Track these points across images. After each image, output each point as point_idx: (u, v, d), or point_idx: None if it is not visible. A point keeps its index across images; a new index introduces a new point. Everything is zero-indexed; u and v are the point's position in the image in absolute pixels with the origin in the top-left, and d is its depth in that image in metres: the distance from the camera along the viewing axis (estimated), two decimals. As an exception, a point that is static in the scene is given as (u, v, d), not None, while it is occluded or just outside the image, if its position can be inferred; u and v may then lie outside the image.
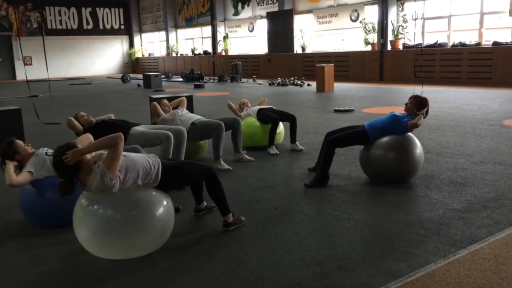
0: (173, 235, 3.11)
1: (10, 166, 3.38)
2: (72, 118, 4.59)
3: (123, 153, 2.90)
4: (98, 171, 2.76)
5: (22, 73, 20.94)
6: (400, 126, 4.19)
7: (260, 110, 5.89)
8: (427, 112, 4.25)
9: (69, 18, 27.16)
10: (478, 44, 13.73)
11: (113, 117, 5.07)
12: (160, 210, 2.93)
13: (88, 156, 2.87)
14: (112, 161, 2.77)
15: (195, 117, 5.17)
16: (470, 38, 14.07)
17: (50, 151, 3.59)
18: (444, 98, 10.43)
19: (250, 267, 2.73)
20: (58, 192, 2.85)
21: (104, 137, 2.85)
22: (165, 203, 2.99)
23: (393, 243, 2.99)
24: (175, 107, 5.44)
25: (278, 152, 5.61)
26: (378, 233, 3.19)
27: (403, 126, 4.17)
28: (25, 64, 16.26)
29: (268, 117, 5.77)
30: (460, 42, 14.03)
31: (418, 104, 4.23)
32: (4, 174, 3.43)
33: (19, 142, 3.56)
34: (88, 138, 3.30)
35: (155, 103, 5.31)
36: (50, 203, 3.35)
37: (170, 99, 5.80)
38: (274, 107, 6.09)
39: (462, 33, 14.54)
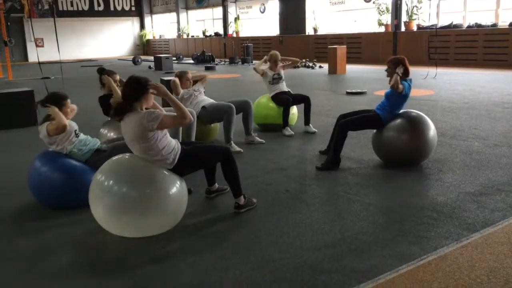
0: (185, 216, 3.13)
1: (57, 109, 3.48)
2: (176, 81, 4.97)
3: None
4: (154, 113, 2.93)
5: (34, 55, 21.04)
6: (394, 97, 4.18)
7: (276, 94, 5.84)
8: (406, 71, 4.22)
9: (80, -1, 27.09)
10: (495, 25, 13.43)
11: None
12: (173, 190, 2.96)
13: (151, 104, 3.09)
14: (170, 121, 3.00)
15: (206, 100, 5.14)
16: (486, 19, 13.76)
17: (77, 129, 3.64)
18: (458, 80, 10.27)
19: (261, 249, 2.74)
20: (112, 112, 3.08)
21: (183, 106, 3.06)
22: (178, 183, 3.01)
23: (405, 227, 2.98)
24: (196, 81, 5.36)
25: (293, 133, 5.59)
26: (390, 216, 3.17)
27: (394, 95, 4.15)
28: (36, 46, 16.30)
29: (281, 99, 5.74)
30: (476, 23, 13.74)
31: (395, 64, 4.21)
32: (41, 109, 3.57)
33: (69, 101, 3.66)
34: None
35: (176, 80, 5.17)
36: (60, 186, 3.39)
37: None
38: (291, 90, 6.02)
39: (478, 13, 14.23)
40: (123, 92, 3.07)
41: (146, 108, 3.07)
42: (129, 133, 3.00)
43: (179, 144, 3.16)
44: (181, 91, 5.12)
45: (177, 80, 5.16)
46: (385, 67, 4.35)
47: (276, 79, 5.90)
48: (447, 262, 2.51)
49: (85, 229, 3.10)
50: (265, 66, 6.04)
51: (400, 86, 4.10)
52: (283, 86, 5.93)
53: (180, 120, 3.05)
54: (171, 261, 2.66)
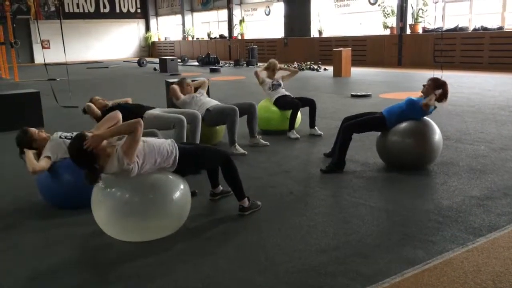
0: (189, 219, 3.12)
1: (30, 154, 3.44)
2: (91, 104, 4.64)
3: (143, 138, 2.91)
4: (116, 156, 2.78)
5: (40, 56, 21.15)
6: (417, 110, 4.12)
7: (278, 98, 5.83)
8: (445, 96, 4.16)
9: (86, 1, 27.22)
10: (501, 28, 13.38)
11: (130, 101, 5.09)
12: (177, 194, 2.95)
13: (104, 141, 2.84)
14: (130, 146, 2.76)
15: (210, 102, 5.13)
16: (492, 22, 13.71)
17: (64, 134, 3.63)
18: (464, 84, 10.23)
19: (265, 252, 2.73)
20: (86, 182, 2.84)
21: (124, 123, 2.86)
22: (181, 187, 3.00)
23: (410, 230, 2.96)
24: (197, 88, 5.43)
25: (299, 136, 5.58)
26: (395, 220, 3.16)
27: (419, 109, 4.10)
28: (43, 47, 16.38)
29: (290, 103, 5.73)
30: (482, 26, 13.68)
31: (435, 86, 4.16)
32: (24, 162, 3.48)
33: (33, 129, 3.61)
34: (111, 118, 3.08)
35: (174, 86, 5.27)
36: (67, 185, 3.41)
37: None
38: (291, 94, 6.01)
39: (484, 16, 14.18)
40: (77, 164, 2.84)
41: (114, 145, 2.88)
42: (123, 179, 2.89)
43: (174, 144, 3.09)
44: (182, 96, 5.17)
45: (175, 86, 5.23)
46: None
47: (276, 85, 5.91)
48: (452, 267, 2.50)
49: (90, 229, 3.10)
50: (264, 74, 6.06)
51: (431, 103, 4.04)
52: (283, 91, 5.92)
53: (135, 134, 2.75)
54: (174, 262, 2.65)
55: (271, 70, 5.99)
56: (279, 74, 6.07)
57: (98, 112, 4.57)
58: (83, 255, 2.83)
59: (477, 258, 2.58)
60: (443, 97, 4.16)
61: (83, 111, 4.68)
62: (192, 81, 5.57)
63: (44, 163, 3.40)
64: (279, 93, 5.86)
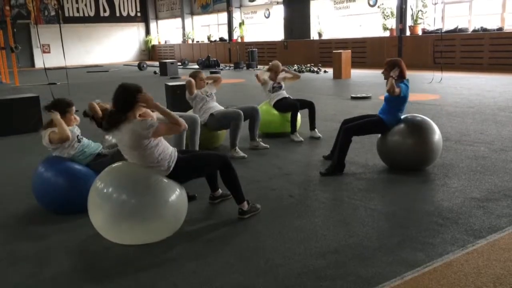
0: (188, 222, 3.12)
1: (61, 120, 3.51)
2: (94, 104, 4.70)
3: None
4: (148, 122, 2.92)
5: (40, 61, 21.17)
6: (392, 98, 4.11)
7: (277, 101, 5.83)
8: (402, 73, 4.15)
9: (86, 5, 27.28)
10: (500, 29, 13.38)
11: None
12: (173, 196, 2.95)
13: (143, 111, 3.06)
14: (165, 128, 2.98)
15: (215, 107, 5.11)
16: (492, 23, 13.71)
17: (80, 136, 3.68)
18: (464, 85, 10.22)
19: (265, 255, 2.72)
20: (105, 124, 3.00)
21: (175, 114, 3.06)
22: (177, 189, 3.00)
23: (410, 232, 2.95)
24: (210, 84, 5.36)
25: (302, 139, 5.57)
26: (395, 222, 3.15)
27: (392, 97, 4.09)
28: (43, 52, 16.41)
29: (288, 106, 5.73)
30: (482, 27, 13.69)
31: (390, 67, 4.15)
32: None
33: (74, 109, 3.71)
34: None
35: (191, 79, 5.11)
36: (63, 190, 3.40)
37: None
38: (291, 96, 6.01)
39: (484, 17, 14.18)
40: (114, 102, 3.01)
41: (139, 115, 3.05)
42: (124, 142, 2.97)
43: (176, 152, 3.15)
44: (195, 91, 5.09)
45: (193, 80, 5.10)
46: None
47: (276, 88, 5.89)
48: (452, 269, 2.48)
49: (88, 234, 3.09)
50: (266, 75, 6.05)
51: (397, 90, 4.04)
52: (283, 93, 5.92)
53: (175, 128, 3.04)
54: (174, 266, 2.65)
55: (273, 72, 5.98)
56: (281, 76, 6.05)
57: (100, 113, 4.59)
58: (81, 260, 2.82)
59: (477, 260, 2.57)
60: (402, 74, 4.15)
61: (84, 113, 4.71)
62: (208, 76, 5.45)
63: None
64: (278, 96, 5.85)
